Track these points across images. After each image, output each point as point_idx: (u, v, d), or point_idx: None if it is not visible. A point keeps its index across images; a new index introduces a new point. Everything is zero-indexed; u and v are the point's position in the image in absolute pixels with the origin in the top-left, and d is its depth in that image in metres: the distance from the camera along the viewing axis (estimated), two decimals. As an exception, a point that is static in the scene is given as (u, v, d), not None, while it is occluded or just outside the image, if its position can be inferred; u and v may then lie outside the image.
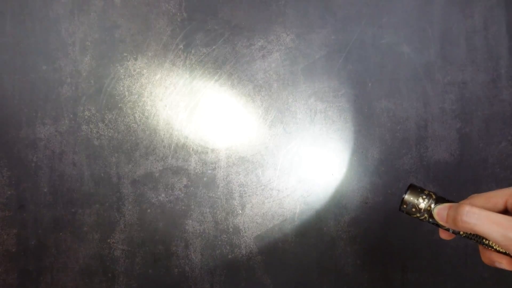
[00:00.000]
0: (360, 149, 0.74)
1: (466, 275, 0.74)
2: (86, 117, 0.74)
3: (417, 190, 0.40)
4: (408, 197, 0.40)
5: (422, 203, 0.40)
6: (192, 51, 0.74)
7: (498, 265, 0.37)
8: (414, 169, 0.74)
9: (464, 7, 0.74)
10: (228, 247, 0.75)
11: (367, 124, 0.74)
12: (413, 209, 0.40)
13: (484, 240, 0.38)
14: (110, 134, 0.74)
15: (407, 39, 0.74)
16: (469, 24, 0.74)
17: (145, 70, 0.74)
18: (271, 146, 0.74)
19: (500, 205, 0.37)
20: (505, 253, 0.37)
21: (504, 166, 0.74)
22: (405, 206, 0.41)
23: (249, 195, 0.75)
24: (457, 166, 0.74)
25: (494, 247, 0.37)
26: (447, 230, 0.40)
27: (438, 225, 0.40)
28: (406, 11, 0.74)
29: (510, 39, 0.74)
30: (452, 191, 0.74)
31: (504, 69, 0.74)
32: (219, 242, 0.75)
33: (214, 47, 0.74)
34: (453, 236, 0.40)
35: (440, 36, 0.74)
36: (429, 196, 0.40)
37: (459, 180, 0.74)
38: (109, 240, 0.74)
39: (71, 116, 0.74)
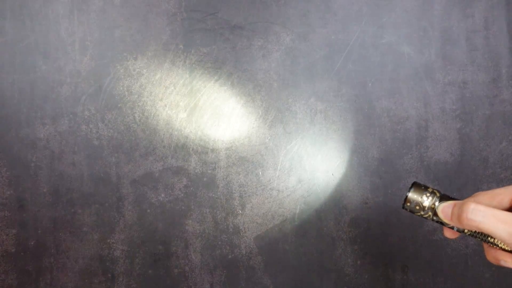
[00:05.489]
0: (360, 149, 0.74)
1: (466, 275, 0.74)
2: (85, 117, 0.74)
3: (421, 188, 0.40)
4: (411, 195, 0.40)
5: (426, 201, 0.39)
6: (192, 51, 0.74)
7: (503, 263, 0.37)
8: (415, 169, 0.74)
9: (464, 7, 0.74)
10: (228, 247, 0.75)
11: (367, 124, 0.74)
12: (417, 207, 0.40)
13: (489, 238, 0.38)
14: (110, 134, 0.74)
15: (407, 39, 0.74)
16: (470, 24, 0.74)
17: (145, 70, 0.74)
18: (271, 146, 0.74)
19: (506, 202, 0.36)
20: (510, 251, 0.37)
21: (505, 166, 0.74)
22: (408, 204, 0.40)
23: (249, 195, 0.74)
24: (458, 166, 0.74)
25: (500, 245, 0.37)
26: (452, 228, 0.39)
27: (442, 223, 0.39)
28: (406, 11, 0.74)
29: (510, 39, 0.74)
30: (452, 191, 0.74)
31: (505, 69, 0.74)
32: (219, 242, 0.75)
33: (214, 47, 0.74)
34: (458, 234, 0.40)
35: (440, 36, 0.74)
36: (433, 193, 0.39)
37: (460, 180, 0.74)
38: (108, 240, 0.74)
39: (71, 116, 0.74)
